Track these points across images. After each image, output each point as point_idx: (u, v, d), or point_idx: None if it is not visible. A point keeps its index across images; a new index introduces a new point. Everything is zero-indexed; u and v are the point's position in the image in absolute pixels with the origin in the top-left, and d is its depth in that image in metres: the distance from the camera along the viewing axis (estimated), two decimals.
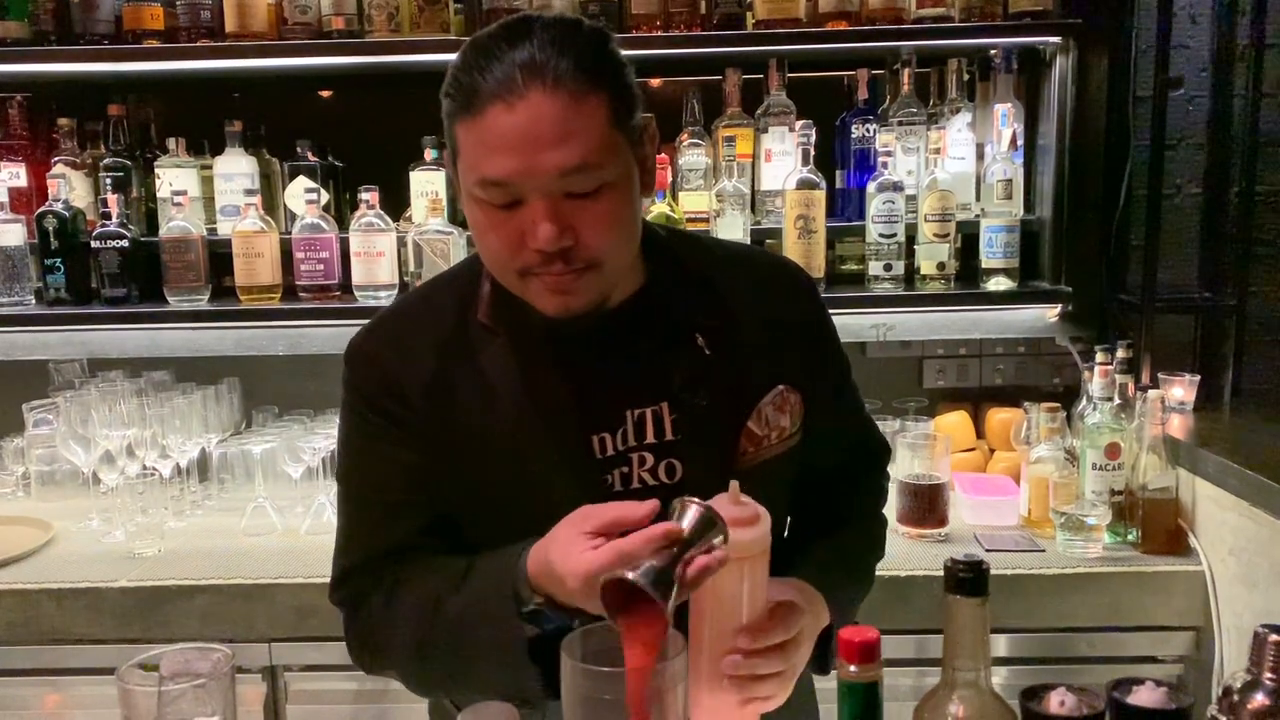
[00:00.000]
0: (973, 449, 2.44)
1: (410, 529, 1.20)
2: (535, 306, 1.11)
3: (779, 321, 1.24)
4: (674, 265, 1.21)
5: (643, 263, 1.20)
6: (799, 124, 2.27)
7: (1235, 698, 0.89)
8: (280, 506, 2.19)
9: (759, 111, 2.40)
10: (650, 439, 1.17)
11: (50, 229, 2.36)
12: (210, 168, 2.47)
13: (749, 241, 2.29)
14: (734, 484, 1.02)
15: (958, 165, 2.35)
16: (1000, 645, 1.92)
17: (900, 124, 2.36)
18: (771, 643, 1.05)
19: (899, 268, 2.30)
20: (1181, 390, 2.26)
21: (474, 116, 1.02)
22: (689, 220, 2.32)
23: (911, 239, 2.32)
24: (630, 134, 1.08)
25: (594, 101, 1.02)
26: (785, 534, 1.35)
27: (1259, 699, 0.88)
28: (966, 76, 2.39)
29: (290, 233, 2.39)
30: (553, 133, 1.00)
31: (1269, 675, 0.87)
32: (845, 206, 2.43)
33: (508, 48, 1.02)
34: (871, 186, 2.28)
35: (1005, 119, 2.27)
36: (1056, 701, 0.91)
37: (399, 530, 1.21)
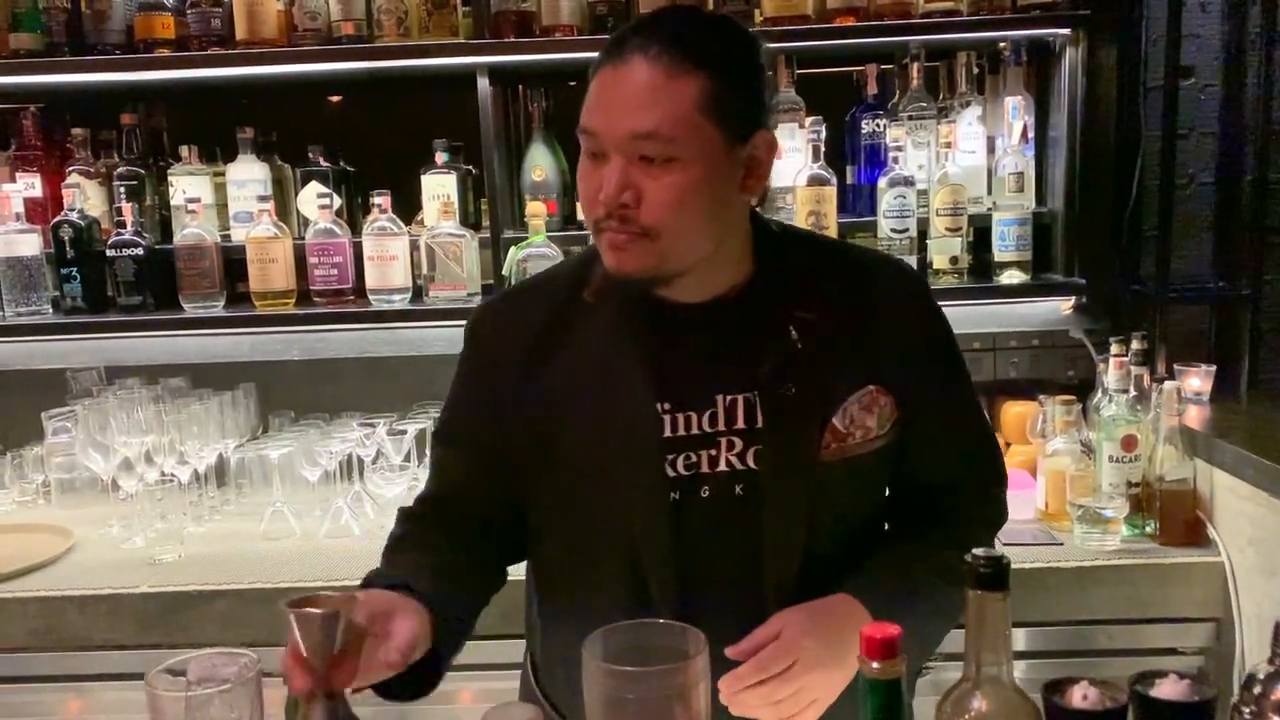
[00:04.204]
0: None
1: (451, 488, 1.34)
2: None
3: (880, 322, 1.24)
4: (780, 260, 1.25)
5: (752, 258, 1.25)
6: (808, 120, 2.27)
7: (1259, 689, 0.89)
8: (298, 510, 2.20)
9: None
10: (741, 424, 1.21)
11: (66, 238, 2.38)
12: (223, 175, 2.49)
13: None
14: None
15: (968, 159, 2.34)
16: (1020, 639, 1.91)
17: (910, 118, 2.36)
18: (745, 684, 1.10)
19: (912, 262, 2.29)
20: (1197, 380, 2.25)
21: (594, 77, 1.14)
22: None
23: (923, 234, 2.31)
24: (724, 124, 1.12)
25: (687, 81, 1.09)
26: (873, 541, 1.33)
27: None
28: (976, 70, 2.38)
29: (303, 238, 2.40)
30: (638, 98, 1.09)
31: None
32: (856, 202, 2.43)
33: (643, 26, 1.14)
34: (882, 182, 2.28)
35: (1015, 112, 2.27)
36: (1079, 695, 0.91)
37: (444, 481, 1.35)
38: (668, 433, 1.21)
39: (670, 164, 1.11)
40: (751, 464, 1.21)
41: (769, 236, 1.27)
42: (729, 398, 1.21)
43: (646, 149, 1.10)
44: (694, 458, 1.21)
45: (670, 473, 1.21)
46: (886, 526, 1.36)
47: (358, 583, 1.97)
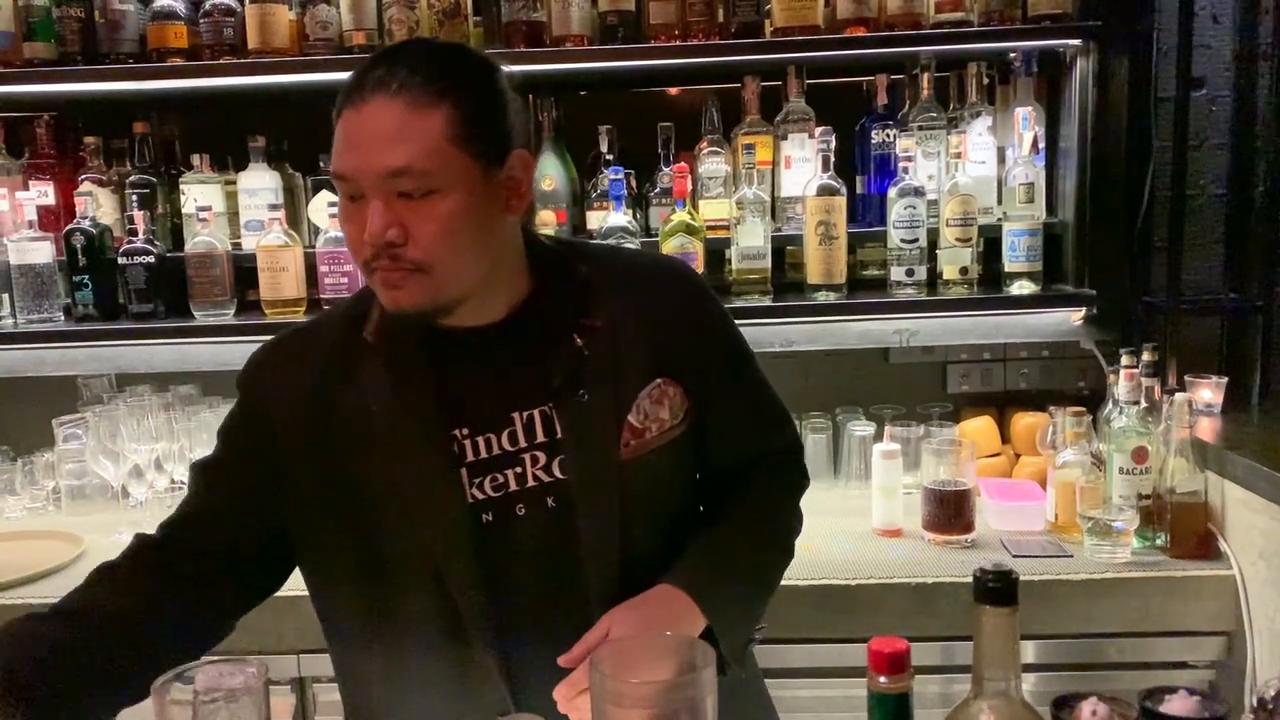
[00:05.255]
0: (998, 454, 2.42)
1: (199, 514, 1.29)
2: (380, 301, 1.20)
3: (659, 318, 1.29)
4: (557, 273, 1.28)
5: (529, 274, 1.28)
6: (818, 130, 2.27)
7: (1271, 707, 0.88)
8: None
9: (778, 118, 2.40)
10: (541, 438, 1.24)
11: (78, 246, 2.39)
12: (234, 183, 2.50)
13: (770, 249, 2.29)
14: None
15: (979, 169, 2.34)
16: (1029, 651, 1.91)
17: (920, 129, 2.36)
18: (580, 688, 1.11)
19: (921, 273, 2.29)
20: (1209, 392, 2.24)
21: (337, 120, 1.14)
22: (709, 228, 2.32)
23: (933, 244, 2.31)
24: (475, 150, 1.14)
25: (433, 114, 1.11)
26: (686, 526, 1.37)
27: None
28: (986, 80, 2.38)
29: (314, 246, 2.41)
30: (385, 135, 1.10)
31: None
32: (866, 212, 2.42)
33: (379, 63, 1.13)
34: (892, 192, 2.28)
35: (1026, 122, 2.26)
36: (1088, 712, 0.90)
37: (190, 512, 1.30)
38: (470, 457, 1.23)
39: (430, 197, 1.12)
40: (558, 474, 1.24)
41: (545, 251, 1.30)
42: (526, 413, 1.24)
43: (403, 185, 1.11)
44: (501, 478, 1.23)
45: (479, 495, 1.23)
46: (701, 509, 1.40)
47: None
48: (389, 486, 1.22)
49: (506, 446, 1.23)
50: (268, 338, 2.42)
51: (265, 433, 1.27)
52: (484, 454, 1.23)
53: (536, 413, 1.24)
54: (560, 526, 1.23)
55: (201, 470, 1.33)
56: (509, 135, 1.19)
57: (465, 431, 1.23)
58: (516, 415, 1.24)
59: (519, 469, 1.23)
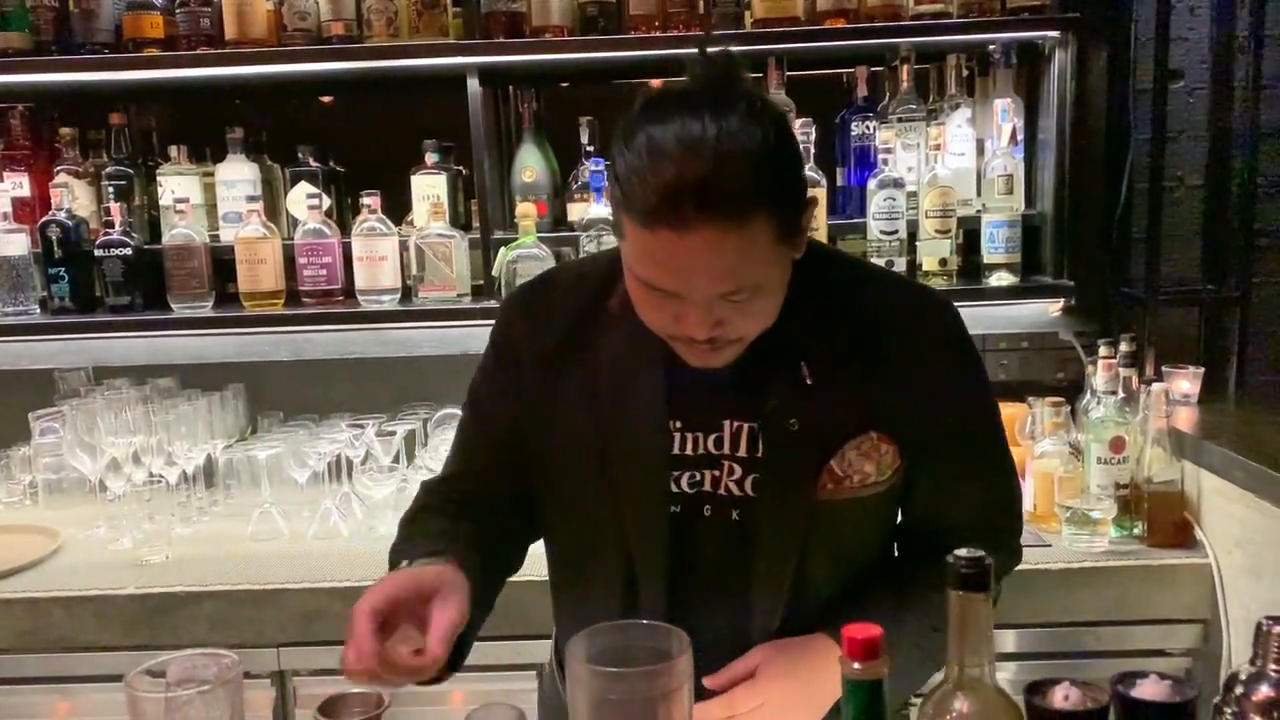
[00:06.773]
0: None
1: (475, 465, 1.36)
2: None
3: (895, 362, 1.20)
4: (803, 285, 1.18)
5: None
6: (798, 122, 2.27)
7: (1240, 690, 0.89)
8: (286, 511, 2.19)
9: None
10: (744, 452, 1.21)
11: (54, 238, 2.37)
12: (212, 175, 2.48)
13: None
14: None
15: (958, 161, 2.34)
16: (1007, 640, 1.92)
17: (900, 120, 2.36)
18: (713, 719, 1.12)
19: (901, 264, 2.29)
20: (1186, 383, 2.26)
21: (644, 227, 1.03)
22: None
23: (913, 235, 2.31)
24: (792, 235, 1.08)
25: (757, 224, 1.03)
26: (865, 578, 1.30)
27: (1264, 691, 0.88)
28: (965, 72, 2.38)
29: (293, 238, 2.39)
30: (716, 263, 1.04)
31: (1273, 667, 0.87)
32: (846, 204, 2.43)
33: (681, 159, 1.00)
34: (872, 184, 2.28)
35: (1005, 114, 2.27)
36: (1061, 696, 0.91)
37: (463, 463, 1.37)
38: (676, 450, 1.22)
39: (756, 294, 1.08)
40: (750, 491, 1.21)
41: (795, 263, 1.21)
42: (735, 424, 1.21)
43: (732, 297, 1.07)
44: (699, 476, 1.22)
45: (674, 489, 1.22)
46: (893, 555, 1.35)
47: (345, 584, 1.98)
48: (601, 455, 1.23)
49: (711, 449, 1.22)
50: (245, 330, 2.44)
51: (512, 371, 1.29)
52: (690, 450, 1.22)
53: (746, 426, 1.21)
54: (739, 542, 1.22)
55: (470, 421, 1.37)
56: (806, 183, 1.13)
57: (678, 424, 1.22)
58: (727, 423, 1.22)
59: (717, 473, 1.22)
